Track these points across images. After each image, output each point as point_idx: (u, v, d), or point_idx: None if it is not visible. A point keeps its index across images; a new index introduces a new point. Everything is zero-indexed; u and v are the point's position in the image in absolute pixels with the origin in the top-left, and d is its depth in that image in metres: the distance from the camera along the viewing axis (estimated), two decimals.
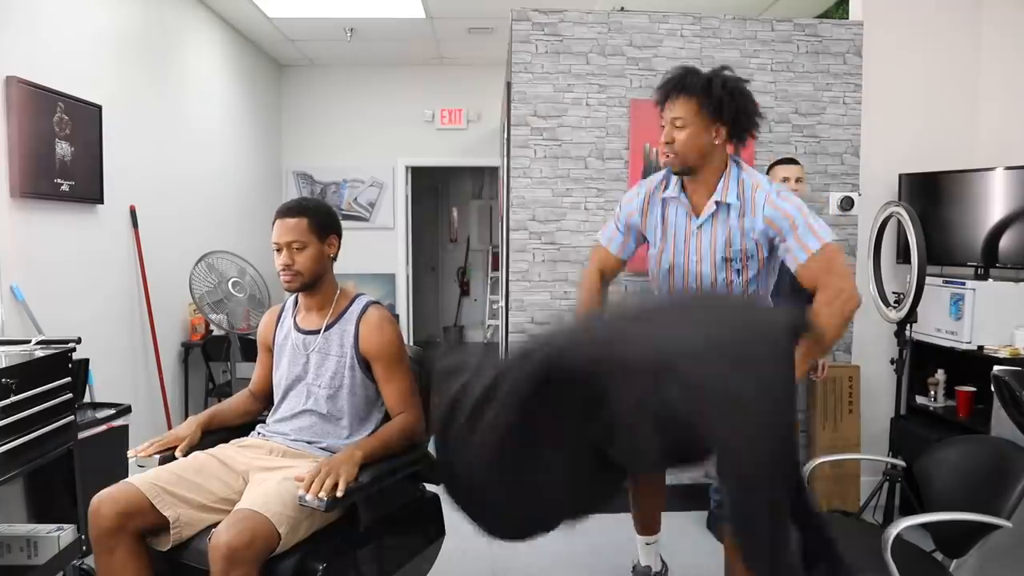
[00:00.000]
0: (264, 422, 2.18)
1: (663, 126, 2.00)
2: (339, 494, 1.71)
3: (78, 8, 3.34)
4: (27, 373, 2.13)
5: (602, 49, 3.41)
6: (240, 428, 2.20)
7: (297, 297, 2.17)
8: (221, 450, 2.03)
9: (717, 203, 2.00)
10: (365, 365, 2.06)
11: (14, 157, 2.86)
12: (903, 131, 3.58)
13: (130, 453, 2.00)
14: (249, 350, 4.07)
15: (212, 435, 2.12)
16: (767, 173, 3.02)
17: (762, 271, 2.07)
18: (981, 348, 3.07)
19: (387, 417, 2.09)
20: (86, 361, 2.76)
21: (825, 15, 4.58)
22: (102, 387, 3.23)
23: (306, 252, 2.03)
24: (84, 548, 2.27)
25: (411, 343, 4.01)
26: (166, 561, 1.79)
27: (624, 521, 2.53)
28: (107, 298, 3.57)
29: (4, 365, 2.10)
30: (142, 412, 3.70)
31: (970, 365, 3.14)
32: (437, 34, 5.54)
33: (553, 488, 1.38)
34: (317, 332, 2.09)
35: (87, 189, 3.34)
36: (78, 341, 2.47)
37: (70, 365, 2.35)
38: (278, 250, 2.04)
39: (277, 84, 6.41)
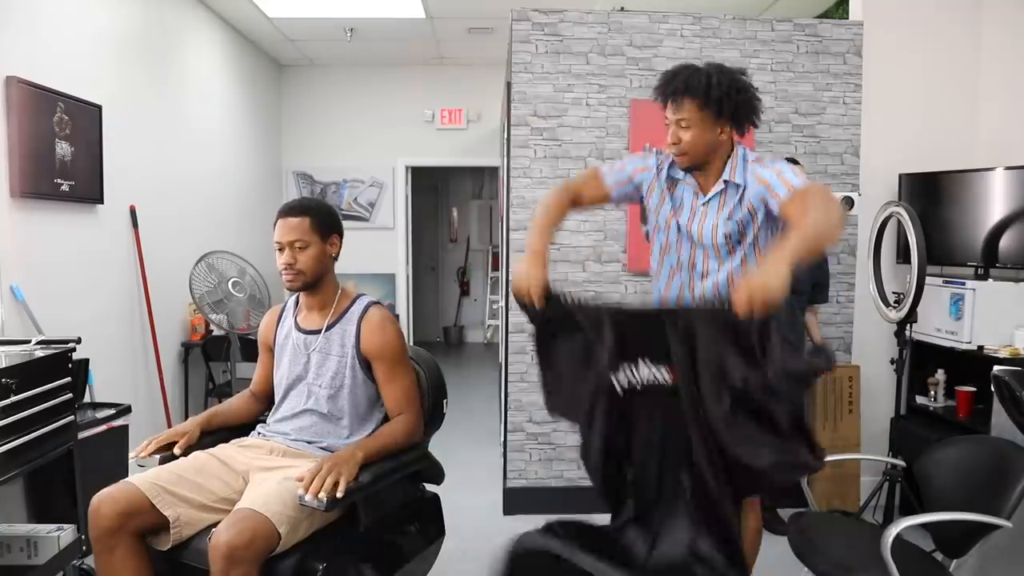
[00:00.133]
0: (264, 422, 2.18)
1: (668, 125, 2.00)
2: (339, 494, 1.72)
3: (78, 8, 3.35)
4: (27, 373, 2.13)
5: (602, 49, 3.41)
6: (240, 428, 2.20)
7: (298, 297, 2.18)
8: (221, 450, 2.03)
9: (726, 182, 2.00)
10: (366, 365, 2.06)
11: (14, 157, 2.86)
12: (903, 131, 3.58)
13: (131, 455, 2.00)
14: (249, 350, 4.07)
15: (212, 435, 2.12)
16: None
17: (759, 237, 2.05)
18: (981, 348, 3.07)
19: (388, 417, 2.09)
20: (86, 361, 2.76)
21: (825, 15, 4.58)
22: (102, 387, 3.23)
23: (308, 251, 2.03)
24: (84, 548, 2.27)
25: (411, 343, 4.01)
26: (166, 561, 1.79)
27: None
28: (107, 298, 3.57)
29: (4, 365, 2.10)
30: (142, 412, 3.70)
31: (970, 365, 3.14)
32: (437, 34, 5.54)
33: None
34: (318, 332, 2.10)
35: (87, 189, 3.34)
36: (78, 341, 2.47)
37: (70, 365, 2.35)
38: (280, 249, 2.04)
39: (277, 84, 6.41)
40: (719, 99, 1.91)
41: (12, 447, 2.02)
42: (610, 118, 3.42)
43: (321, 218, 2.06)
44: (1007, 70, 3.50)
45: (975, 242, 3.24)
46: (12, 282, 2.86)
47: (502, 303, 3.86)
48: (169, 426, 3.96)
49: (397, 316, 5.03)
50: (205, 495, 1.85)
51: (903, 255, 3.31)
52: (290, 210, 2.05)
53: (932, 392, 3.36)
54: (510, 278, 1.77)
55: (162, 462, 1.97)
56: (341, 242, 2.13)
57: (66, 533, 2.23)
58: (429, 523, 2.19)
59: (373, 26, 5.33)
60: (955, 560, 1.99)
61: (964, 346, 3.12)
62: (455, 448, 3.73)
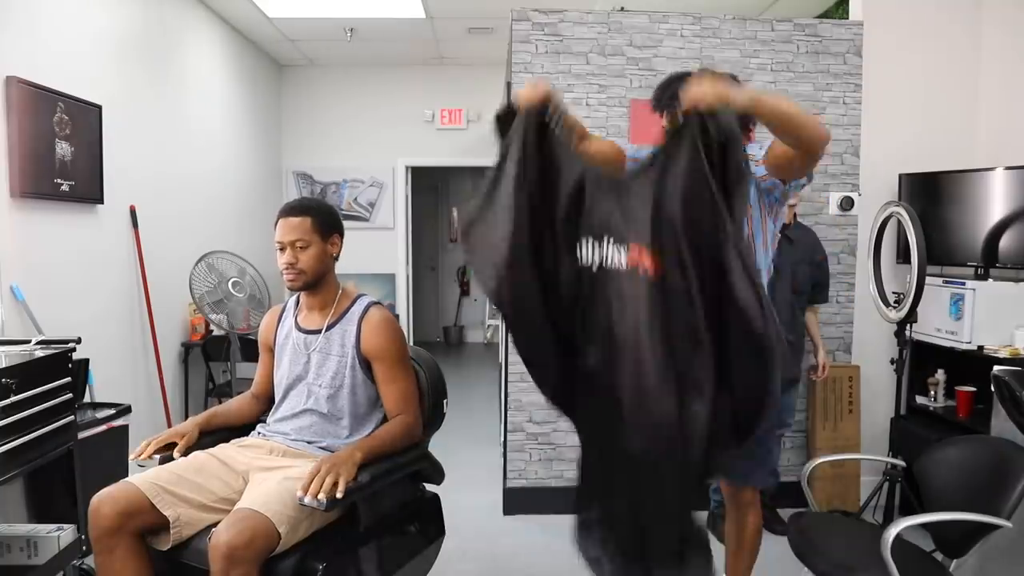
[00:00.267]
0: (265, 422, 2.18)
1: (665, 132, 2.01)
2: (339, 494, 1.72)
3: (78, 8, 3.35)
4: (27, 373, 2.13)
5: (602, 49, 3.41)
6: (240, 428, 2.20)
7: (298, 297, 2.18)
8: (221, 450, 2.03)
9: None
10: (366, 365, 2.06)
11: (14, 157, 2.86)
12: (903, 131, 3.58)
13: (131, 456, 2.00)
14: (249, 350, 4.07)
15: (212, 435, 2.12)
16: None
17: (754, 224, 2.05)
18: (981, 348, 3.07)
19: (387, 417, 2.08)
20: (86, 361, 2.76)
21: (825, 15, 4.58)
22: (102, 387, 3.23)
23: (309, 251, 2.03)
24: (84, 548, 2.27)
25: (411, 343, 4.01)
26: (166, 561, 1.79)
27: None
28: (107, 298, 3.57)
29: (4, 365, 2.10)
30: (142, 412, 3.70)
31: (970, 365, 3.14)
32: (437, 34, 5.54)
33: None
34: (318, 332, 2.10)
35: (87, 189, 3.34)
36: (78, 341, 2.47)
37: (70, 365, 2.35)
38: (281, 249, 2.04)
39: (277, 84, 6.41)
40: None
41: (12, 447, 2.02)
42: (610, 118, 3.42)
43: (322, 218, 2.07)
44: (1007, 70, 3.50)
45: (975, 242, 3.24)
46: (12, 282, 2.86)
47: None
48: (169, 426, 3.96)
49: (397, 316, 5.04)
50: (205, 495, 1.85)
51: (903, 255, 3.31)
52: (291, 210, 2.05)
53: (932, 392, 3.36)
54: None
55: (162, 462, 1.97)
56: (342, 242, 2.14)
57: (66, 533, 2.23)
58: (429, 523, 2.19)
59: (373, 26, 5.33)
60: (955, 560, 1.99)
61: (964, 346, 3.12)
62: (455, 448, 3.73)
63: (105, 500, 1.74)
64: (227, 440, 2.11)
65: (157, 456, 1.99)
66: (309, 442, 2.06)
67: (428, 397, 2.19)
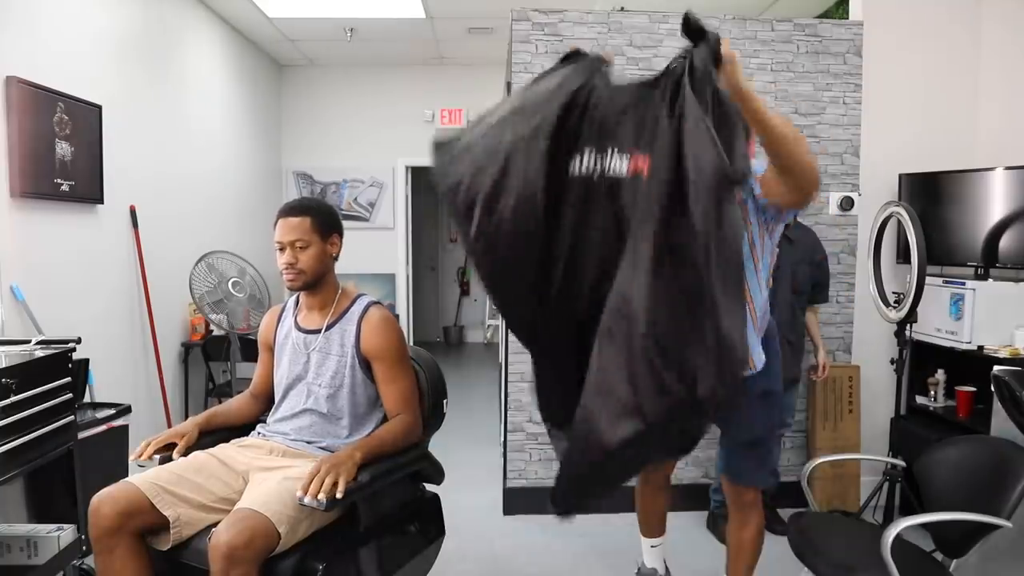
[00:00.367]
0: (264, 422, 2.18)
1: None
2: (339, 495, 1.72)
3: (78, 8, 3.35)
4: (27, 373, 2.14)
5: (602, 49, 3.40)
6: (240, 428, 2.20)
7: (298, 297, 2.18)
8: (221, 450, 2.03)
9: None
10: (366, 365, 2.06)
11: (14, 157, 2.86)
12: (903, 131, 3.58)
13: (131, 457, 2.00)
14: (249, 350, 4.07)
15: (212, 435, 2.12)
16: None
17: (755, 239, 2.06)
18: (981, 348, 3.07)
19: (387, 417, 2.08)
20: (86, 361, 2.76)
21: (825, 15, 4.58)
22: (102, 387, 3.23)
23: (309, 251, 2.03)
24: (84, 548, 2.27)
25: (411, 343, 4.02)
26: (166, 561, 1.79)
27: (628, 521, 2.53)
28: (107, 298, 3.57)
29: (4, 365, 2.10)
30: (142, 412, 3.70)
31: (970, 365, 3.14)
32: (437, 34, 5.54)
33: None
34: (318, 331, 2.10)
35: (87, 189, 3.34)
36: (78, 341, 2.47)
37: (70, 365, 2.35)
38: (281, 249, 2.04)
39: (277, 84, 6.41)
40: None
41: (12, 447, 2.02)
42: None
43: (322, 218, 2.07)
44: (1007, 70, 3.50)
45: (975, 242, 3.24)
46: (12, 282, 2.86)
47: None
48: (169, 426, 3.96)
49: (397, 316, 5.04)
50: (205, 495, 1.86)
51: (903, 255, 3.31)
52: (291, 210, 2.05)
53: (932, 392, 3.36)
54: None
55: (162, 462, 1.97)
56: (341, 242, 2.14)
57: (66, 533, 2.23)
58: (429, 523, 2.19)
59: (373, 26, 5.34)
60: (955, 560, 1.99)
61: (964, 346, 3.12)
62: (455, 448, 3.73)
63: (105, 500, 1.74)
64: (227, 440, 2.11)
65: (157, 456, 1.99)
66: (309, 442, 2.06)
67: (428, 397, 2.19)
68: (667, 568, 2.54)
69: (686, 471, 3.46)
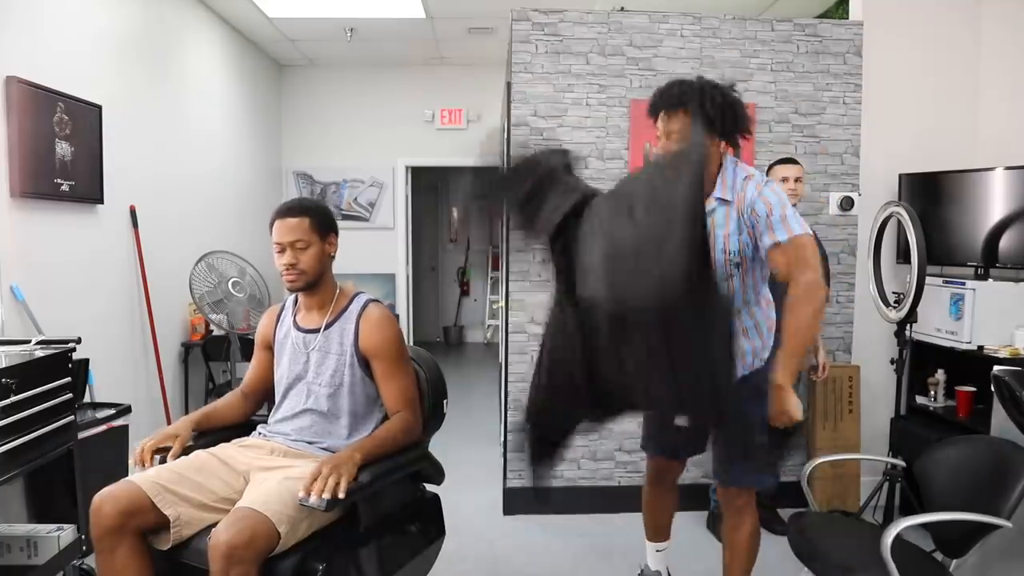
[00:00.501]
0: (265, 422, 2.18)
1: (659, 137, 2.04)
2: (340, 495, 1.72)
3: (78, 8, 3.35)
4: (27, 373, 2.14)
5: (602, 49, 3.41)
6: (237, 428, 2.20)
7: (297, 296, 2.18)
8: (222, 449, 2.03)
9: (718, 199, 2.02)
10: (365, 363, 2.07)
11: (14, 157, 2.86)
12: (903, 131, 3.58)
13: (131, 460, 2.00)
14: (249, 350, 4.04)
15: (208, 436, 2.12)
16: (767, 173, 3.03)
17: (755, 263, 2.07)
18: (981, 348, 3.07)
19: (387, 416, 2.08)
20: (86, 361, 2.76)
21: (825, 15, 4.58)
22: (102, 387, 3.23)
23: (309, 251, 2.03)
24: (84, 548, 2.27)
25: (411, 343, 4.01)
26: (166, 560, 1.79)
27: (628, 521, 2.52)
28: (107, 298, 3.57)
29: (4, 365, 2.10)
30: (142, 412, 3.70)
31: (970, 365, 3.14)
32: (437, 34, 5.54)
33: None
34: (317, 331, 2.10)
35: (87, 189, 3.34)
36: (78, 341, 2.47)
37: (70, 365, 2.35)
38: (280, 250, 2.04)
39: (277, 84, 6.41)
40: (711, 115, 1.94)
41: (12, 447, 2.02)
42: (610, 118, 3.42)
43: (320, 218, 2.07)
44: (1007, 70, 3.50)
45: (975, 242, 3.24)
46: (12, 282, 2.86)
47: (502, 303, 3.86)
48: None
49: (397, 316, 5.04)
50: (205, 494, 1.85)
51: (903, 255, 3.31)
52: (289, 211, 2.05)
53: (932, 392, 3.36)
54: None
55: (162, 461, 1.97)
56: (337, 241, 2.14)
57: (66, 533, 2.23)
58: (429, 523, 2.19)
59: (373, 26, 5.33)
60: (955, 560, 1.99)
61: (964, 346, 3.12)
62: (455, 448, 3.73)
63: (107, 499, 1.74)
64: (222, 440, 2.11)
65: (157, 457, 1.98)
66: (310, 443, 2.06)
67: (428, 397, 2.19)
68: (668, 573, 2.54)
69: (686, 471, 3.45)
